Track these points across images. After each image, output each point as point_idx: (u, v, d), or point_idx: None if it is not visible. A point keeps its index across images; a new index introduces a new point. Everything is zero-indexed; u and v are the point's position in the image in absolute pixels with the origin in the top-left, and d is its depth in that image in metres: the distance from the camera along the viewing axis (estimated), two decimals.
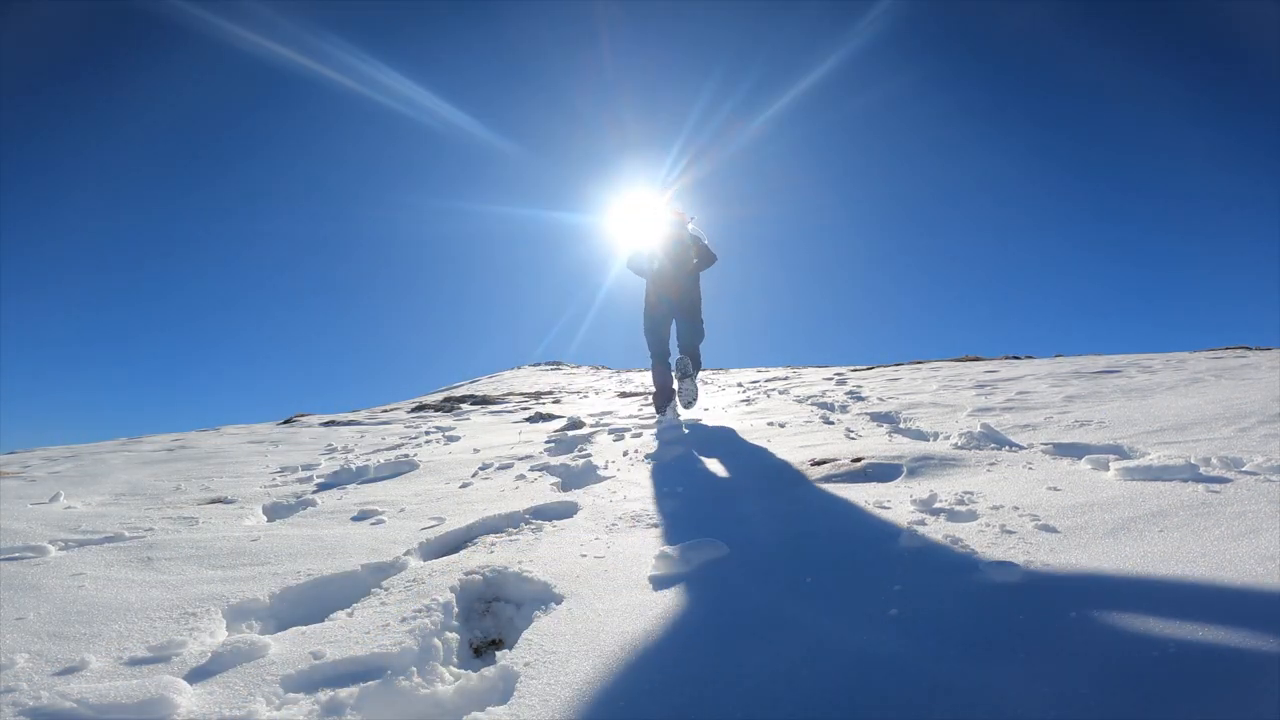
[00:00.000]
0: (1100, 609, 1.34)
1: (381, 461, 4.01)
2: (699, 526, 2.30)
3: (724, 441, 4.06)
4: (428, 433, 5.70)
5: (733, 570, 1.80)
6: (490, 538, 2.35)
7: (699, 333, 4.57)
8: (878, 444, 3.44)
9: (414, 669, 1.35)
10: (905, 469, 2.86)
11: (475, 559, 2.04)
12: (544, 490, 3.08)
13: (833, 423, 4.39)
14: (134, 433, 6.78)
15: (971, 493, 2.38)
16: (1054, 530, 1.90)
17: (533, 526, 2.47)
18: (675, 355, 4.87)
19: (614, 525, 2.39)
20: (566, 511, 2.68)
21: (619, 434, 4.73)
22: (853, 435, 3.84)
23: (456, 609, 1.69)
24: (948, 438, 3.49)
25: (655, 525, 2.36)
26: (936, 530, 2.01)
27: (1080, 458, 2.76)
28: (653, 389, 5.10)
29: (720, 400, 6.65)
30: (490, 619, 1.73)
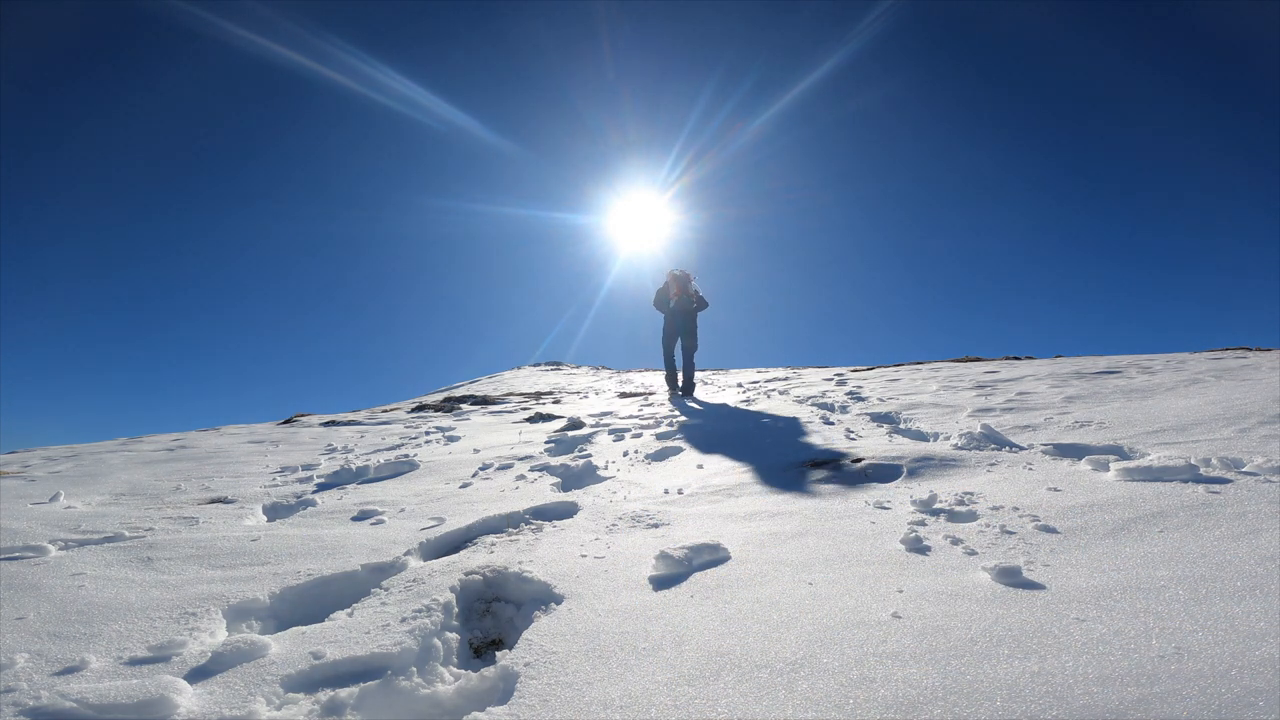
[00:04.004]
0: (1100, 609, 1.34)
1: (381, 461, 4.01)
2: (699, 527, 2.30)
3: (724, 442, 4.07)
4: (428, 433, 5.70)
5: (732, 571, 1.80)
6: (490, 538, 2.35)
7: (694, 346, 7.56)
8: (878, 444, 3.44)
9: (414, 669, 1.35)
10: (905, 469, 2.86)
11: (475, 559, 2.04)
12: (544, 490, 3.08)
13: (833, 423, 4.39)
14: (134, 433, 6.79)
15: (972, 493, 2.38)
16: (1054, 531, 1.90)
17: (533, 527, 2.47)
18: (679, 359, 7.72)
19: (614, 525, 2.39)
20: (566, 511, 2.68)
21: (619, 434, 4.74)
22: (853, 436, 3.84)
23: (456, 609, 1.69)
24: (948, 438, 3.49)
25: (655, 525, 2.36)
26: (937, 530, 2.01)
27: (1080, 458, 2.76)
28: (658, 383, 9.81)
29: (720, 401, 6.65)
30: (490, 619, 1.73)
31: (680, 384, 7.60)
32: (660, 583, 1.74)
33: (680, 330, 7.38)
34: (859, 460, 3.05)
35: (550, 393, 9.89)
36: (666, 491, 2.94)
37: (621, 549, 2.08)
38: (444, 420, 6.86)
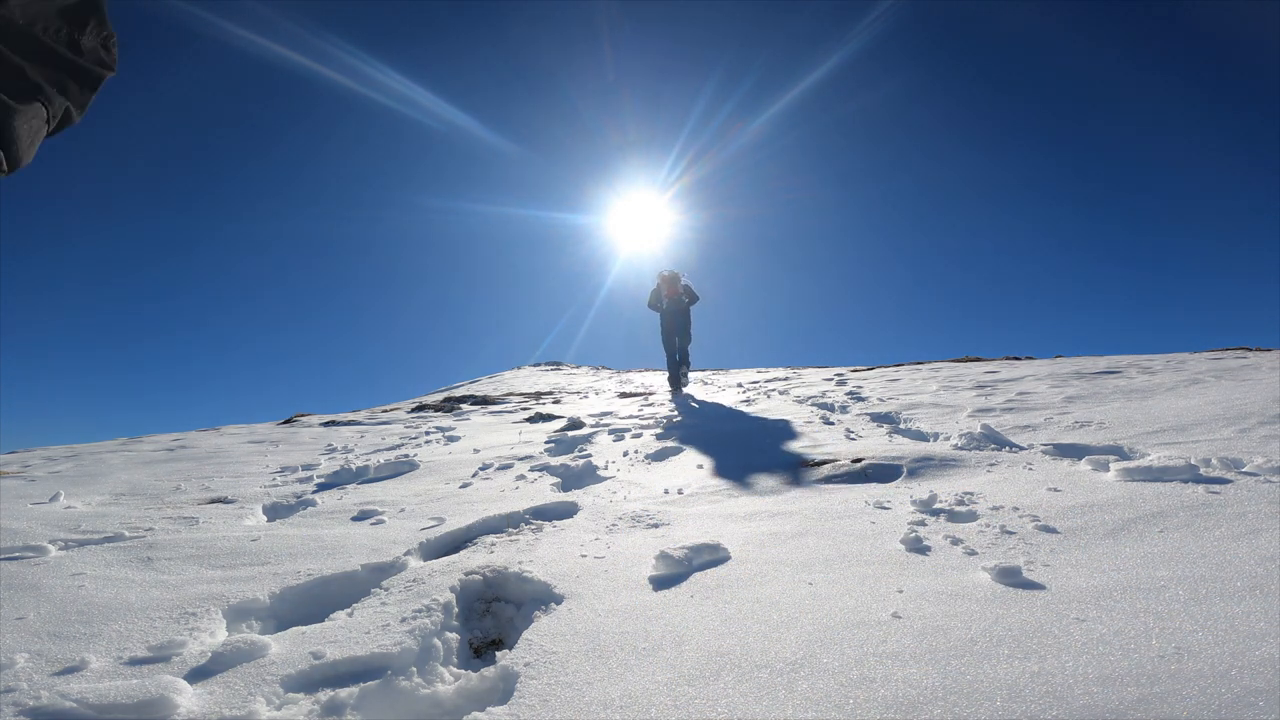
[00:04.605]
0: (1100, 609, 1.34)
1: (381, 461, 4.01)
2: (699, 527, 2.30)
3: (724, 442, 4.07)
4: (428, 433, 5.70)
5: (732, 571, 1.80)
6: (490, 538, 2.35)
7: (688, 339, 8.30)
8: (878, 444, 3.44)
9: (414, 669, 1.35)
10: (905, 469, 2.86)
11: (475, 559, 2.04)
12: (544, 490, 3.08)
13: (833, 423, 4.39)
14: (134, 433, 6.79)
15: (971, 493, 2.38)
16: (1054, 531, 1.90)
17: (533, 527, 2.47)
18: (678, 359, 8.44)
19: (614, 525, 2.39)
20: (566, 511, 2.68)
21: (619, 434, 4.74)
22: (853, 436, 3.84)
23: (456, 609, 1.69)
24: (948, 438, 3.49)
25: (655, 525, 2.36)
26: (937, 530, 2.01)
27: (1080, 459, 2.76)
28: (658, 383, 10.11)
29: (721, 401, 6.65)
30: (490, 619, 1.73)
31: (680, 380, 8.44)
32: (660, 583, 1.74)
33: (676, 328, 8.18)
34: (859, 460, 3.05)
35: (550, 393, 9.89)
36: (666, 491, 2.94)
37: (621, 549, 2.08)
38: (444, 420, 6.86)
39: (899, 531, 2.01)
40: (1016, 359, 8.20)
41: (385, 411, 8.43)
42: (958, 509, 2.19)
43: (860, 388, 6.14)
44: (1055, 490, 2.32)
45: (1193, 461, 2.37)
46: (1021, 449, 3.06)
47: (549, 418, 6.25)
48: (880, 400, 5.12)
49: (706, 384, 9.03)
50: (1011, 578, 1.55)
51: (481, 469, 3.74)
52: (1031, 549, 1.77)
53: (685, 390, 8.17)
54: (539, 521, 2.55)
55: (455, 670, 1.42)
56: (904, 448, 3.25)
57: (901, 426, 4.05)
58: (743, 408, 5.84)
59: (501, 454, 4.21)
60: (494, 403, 8.76)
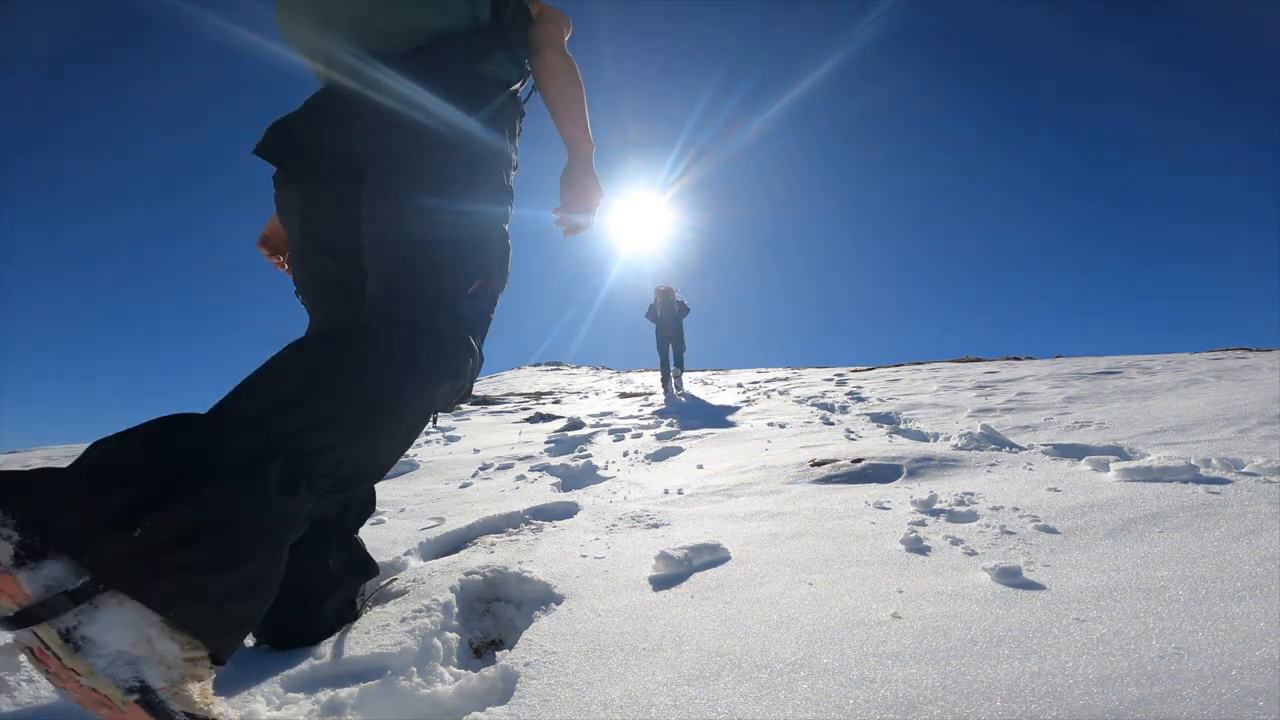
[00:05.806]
0: (1100, 609, 1.34)
1: None
2: (699, 527, 2.31)
3: (724, 442, 4.07)
4: (428, 433, 5.70)
5: (732, 571, 1.80)
6: (490, 538, 2.35)
7: (683, 348, 9.66)
8: (878, 444, 3.44)
9: (414, 669, 1.35)
10: (905, 469, 2.86)
11: (475, 559, 2.04)
12: (544, 490, 3.08)
13: (833, 423, 4.39)
14: None
15: (971, 493, 2.38)
16: (1054, 531, 1.90)
17: (533, 527, 2.47)
18: (673, 365, 9.75)
19: (614, 525, 2.39)
20: (566, 512, 2.68)
21: (619, 434, 4.74)
22: (853, 436, 3.85)
23: (456, 609, 1.69)
24: (948, 438, 3.49)
25: (655, 525, 2.36)
26: (937, 531, 2.01)
27: (1080, 459, 2.76)
28: (658, 383, 10.90)
29: (720, 401, 6.65)
30: (490, 619, 1.73)
31: (674, 381, 9.44)
32: (660, 583, 1.74)
33: (671, 337, 9.51)
34: (859, 460, 3.06)
35: (550, 393, 9.91)
36: (666, 491, 2.94)
37: (621, 549, 2.08)
38: (444, 420, 6.86)
39: (899, 532, 2.01)
40: (1016, 359, 8.20)
41: None
42: (958, 509, 2.19)
43: (860, 388, 6.15)
44: (1055, 490, 2.32)
45: (1193, 462, 2.37)
46: (1021, 449, 3.06)
47: (549, 418, 6.25)
48: (880, 400, 5.12)
49: (706, 384, 9.05)
50: (1011, 578, 1.55)
51: (481, 469, 3.74)
52: (1031, 549, 1.77)
53: (684, 390, 8.68)
54: (539, 521, 2.55)
55: (455, 670, 1.42)
56: (904, 448, 3.25)
57: (901, 426, 4.05)
58: (742, 408, 5.84)
59: (501, 454, 4.21)
60: (494, 403, 8.75)
